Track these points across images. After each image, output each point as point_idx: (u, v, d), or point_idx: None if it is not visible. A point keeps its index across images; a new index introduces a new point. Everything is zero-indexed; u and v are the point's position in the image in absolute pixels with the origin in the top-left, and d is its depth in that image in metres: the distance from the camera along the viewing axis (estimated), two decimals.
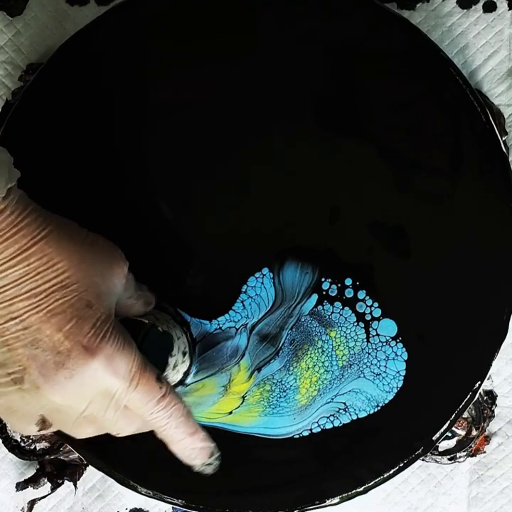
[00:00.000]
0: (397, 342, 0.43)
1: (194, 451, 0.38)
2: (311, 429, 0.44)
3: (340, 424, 0.44)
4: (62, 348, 0.34)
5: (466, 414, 0.48)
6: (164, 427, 0.37)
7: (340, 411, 0.44)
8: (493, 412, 0.49)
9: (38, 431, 0.37)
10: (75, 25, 0.47)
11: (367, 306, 0.43)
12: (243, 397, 0.44)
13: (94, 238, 0.37)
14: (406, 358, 0.43)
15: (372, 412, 0.43)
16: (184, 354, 0.41)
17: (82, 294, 0.35)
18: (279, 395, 0.44)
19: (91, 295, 0.35)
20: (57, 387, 0.34)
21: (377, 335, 0.43)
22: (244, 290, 0.43)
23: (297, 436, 0.44)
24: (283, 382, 0.44)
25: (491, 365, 0.43)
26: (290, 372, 0.44)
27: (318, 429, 0.44)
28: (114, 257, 0.38)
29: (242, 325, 0.44)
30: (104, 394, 0.36)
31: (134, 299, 0.40)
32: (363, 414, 0.44)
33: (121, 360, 0.35)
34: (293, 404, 0.44)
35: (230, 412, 0.44)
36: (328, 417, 0.44)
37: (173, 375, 0.40)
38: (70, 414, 0.36)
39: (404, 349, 0.43)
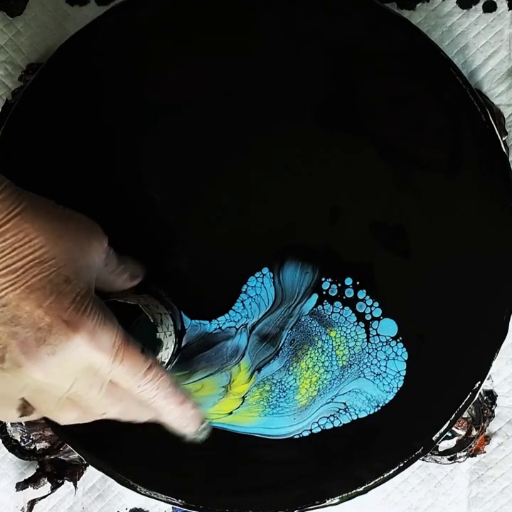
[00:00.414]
0: (397, 342, 0.43)
1: (185, 419, 0.38)
2: (311, 430, 0.44)
3: (341, 425, 0.44)
4: (42, 324, 0.33)
5: (466, 414, 0.48)
6: (153, 398, 0.37)
7: (341, 411, 0.44)
8: (493, 412, 0.49)
9: (20, 416, 0.36)
10: (75, 25, 0.47)
11: (367, 305, 0.43)
12: (243, 398, 0.44)
13: (71, 213, 0.37)
14: (406, 358, 0.43)
15: (372, 412, 0.43)
16: (161, 364, 0.40)
17: (60, 269, 0.34)
18: (278, 395, 0.44)
19: (69, 270, 0.35)
20: (39, 364, 0.33)
21: (378, 335, 0.43)
22: (244, 290, 0.43)
23: (297, 436, 0.44)
24: (283, 383, 0.44)
25: (491, 365, 0.43)
26: (290, 373, 0.44)
27: (318, 430, 0.44)
28: (92, 232, 0.37)
29: (242, 325, 0.44)
30: (88, 370, 0.35)
31: (117, 274, 0.39)
32: (363, 415, 0.44)
33: (104, 334, 0.35)
34: (293, 405, 0.44)
35: (230, 413, 0.44)
36: (328, 417, 0.44)
37: None
38: (53, 394, 0.35)
39: (404, 349, 0.43)
